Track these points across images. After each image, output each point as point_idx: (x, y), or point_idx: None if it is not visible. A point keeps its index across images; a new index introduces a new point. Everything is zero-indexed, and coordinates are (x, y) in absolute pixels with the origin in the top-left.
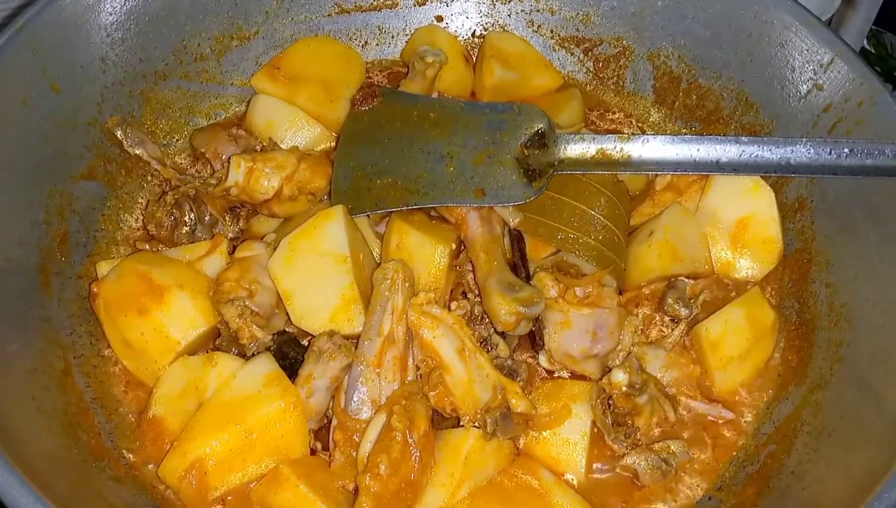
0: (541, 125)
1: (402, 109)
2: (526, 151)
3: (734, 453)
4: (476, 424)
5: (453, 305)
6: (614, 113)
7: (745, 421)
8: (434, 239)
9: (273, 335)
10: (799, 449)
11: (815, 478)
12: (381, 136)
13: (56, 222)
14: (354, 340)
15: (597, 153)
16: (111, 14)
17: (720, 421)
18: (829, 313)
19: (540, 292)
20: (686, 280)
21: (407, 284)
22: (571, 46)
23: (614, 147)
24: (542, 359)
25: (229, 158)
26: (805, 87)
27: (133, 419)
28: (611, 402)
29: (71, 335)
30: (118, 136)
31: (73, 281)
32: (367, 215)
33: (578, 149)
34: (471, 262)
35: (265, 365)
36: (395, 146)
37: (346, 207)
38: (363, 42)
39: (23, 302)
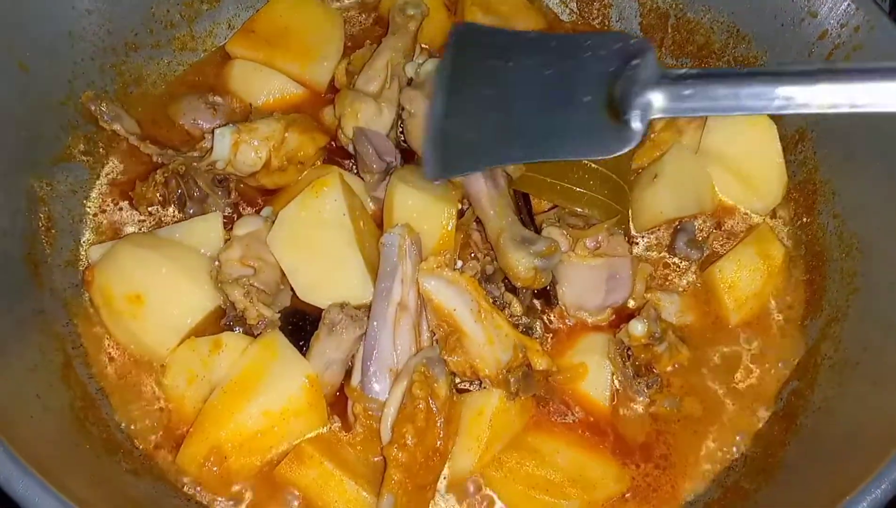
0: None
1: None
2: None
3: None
4: (498, 385)
5: (462, 265)
6: None
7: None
8: (440, 200)
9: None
10: (823, 385)
11: (847, 415)
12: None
13: (39, 210)
14: (365, 310)
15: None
16: None
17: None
18: (840, 245)
19: (556, 242)
20: (693, 222)
21: (415, 248)
22: None
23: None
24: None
25: (213, 130)
26: (799, 14)
27: (141, 408)
28: (629, 353)
29: (66, 325)
30: (93, 111)
31: (62, 269)
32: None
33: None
34: (477, 220)
35: (275, 342)
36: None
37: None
38: None
39: (14, 297)
